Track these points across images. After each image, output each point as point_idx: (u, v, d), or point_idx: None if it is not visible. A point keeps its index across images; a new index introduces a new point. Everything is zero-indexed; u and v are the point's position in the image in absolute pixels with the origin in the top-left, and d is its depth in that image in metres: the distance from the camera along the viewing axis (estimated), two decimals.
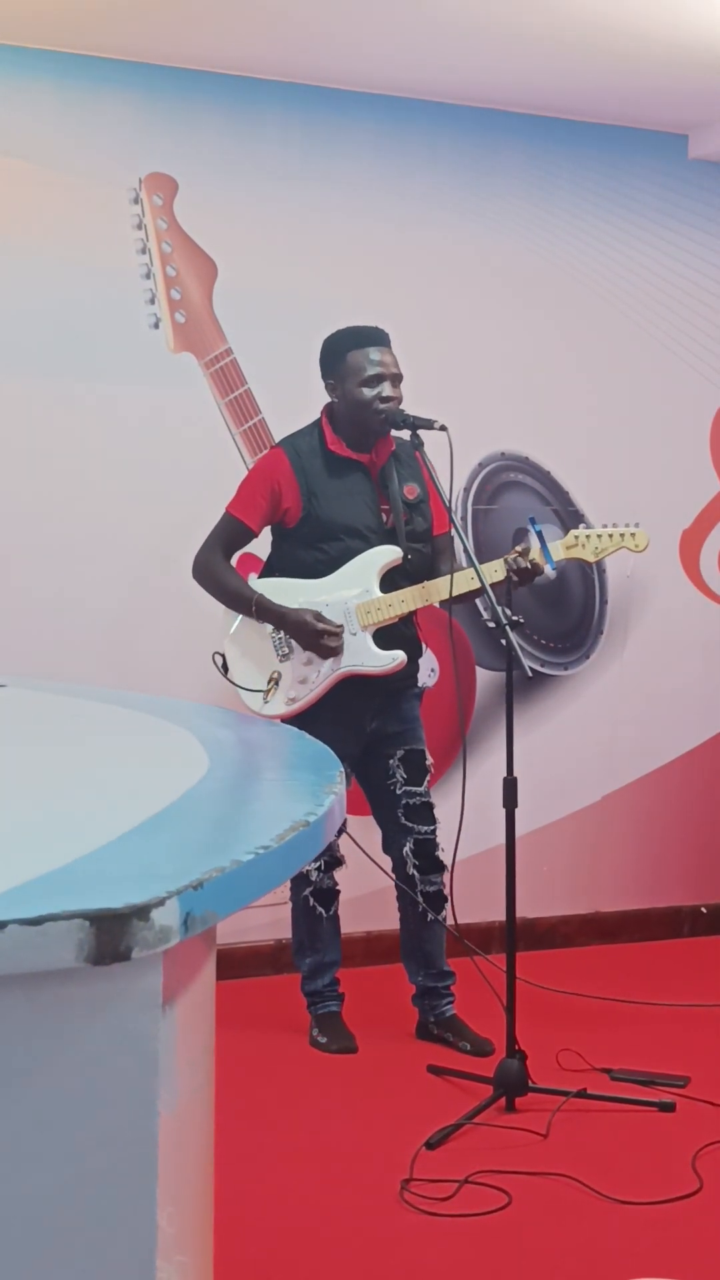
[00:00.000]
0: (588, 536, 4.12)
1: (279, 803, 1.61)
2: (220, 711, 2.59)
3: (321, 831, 1.48)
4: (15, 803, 1.61)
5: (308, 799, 1.54)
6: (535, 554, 3.99)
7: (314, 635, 4.14)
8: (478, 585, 4.02)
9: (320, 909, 4.34)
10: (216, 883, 1.21)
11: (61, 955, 1.09)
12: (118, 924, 1.11)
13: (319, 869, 4.31)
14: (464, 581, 4.05)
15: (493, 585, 3.95)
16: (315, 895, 4.34)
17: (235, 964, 4.85)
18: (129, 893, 1.14)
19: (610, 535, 4.12)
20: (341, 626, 4.16)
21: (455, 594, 4.06)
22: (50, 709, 2.54)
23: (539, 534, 4.00)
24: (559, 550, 4.09)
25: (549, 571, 4.12)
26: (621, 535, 4.12)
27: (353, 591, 4.17)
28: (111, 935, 1.10)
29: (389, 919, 4.47)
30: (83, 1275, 1.20)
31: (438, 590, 4.11)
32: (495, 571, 3.98)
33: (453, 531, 4.23)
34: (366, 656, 4.17)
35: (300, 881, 4.33)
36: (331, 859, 4.33)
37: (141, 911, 1.12)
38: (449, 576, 4.07)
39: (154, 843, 1.37)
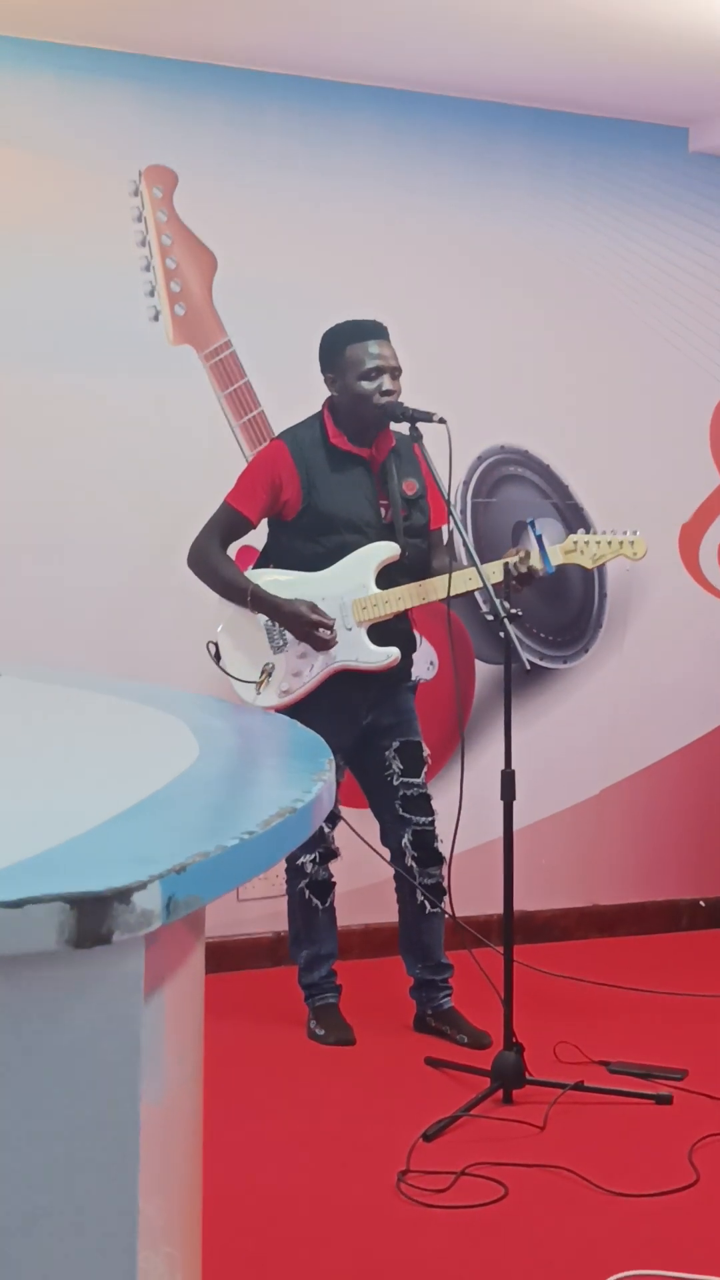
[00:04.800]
0: (586, 543, 4.13)
1: (267, 789, 1.61)
2: (213, 700, 2.59)
3: (309, 818, 1.48)
4: (2, 788, 1.61)
5: (296, 786, 1.54)
6: (534, 559, 3.99)
7: (308, 627, 4.14)
8: (475, 585, 4.02)
9: (316, 901, 4.34)
10: (200, 867, 1.20)
11: (42, 938, 1.09)
12: (98, 907, 1.11)
13: (314, 861, 4.31)
14: (461, 581, 4.05)
15: (492, 584, 3.95)
16: (311, 887, 4.34)
17: (233, 956, 4.85)
18: (111, 876, 1.13)
19: (609, 543, 4.14)
20: (335, 619, 4.16)
21: (453, 593, 4.06)
22: (42, 696, 2.54)
23: (539, 539, 4.00)
24: (557, 555, 4.10)
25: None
26: (620, 543, 4.14)
27: (349, 586, 4.17)
28: (92, 918, 1.10)
29: (387, 911, 4.47)
30: (63, 1262, 1.19)
31: (435, 589, 4.11)
32: (494, 574, 3.98)
33: (450, 525, 4.23)
34: (361, 652, 4.18)
35: (296, 874, 4.34)
36: (327, 851, 4.33)
37: (123, 894, 1.12)
38: (447, 576, 4.06)
39: (139, 828, 1.37)
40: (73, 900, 1.10)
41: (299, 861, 4.31)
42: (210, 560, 4.26)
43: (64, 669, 4.13)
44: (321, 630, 4.14)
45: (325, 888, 4.36)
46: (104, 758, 1.87)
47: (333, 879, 4.38)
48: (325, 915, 4.38)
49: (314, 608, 4.15)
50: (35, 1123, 1.17)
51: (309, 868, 4.32)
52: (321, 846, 4.31)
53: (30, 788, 1.61)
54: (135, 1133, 1.21)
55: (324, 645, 4.16)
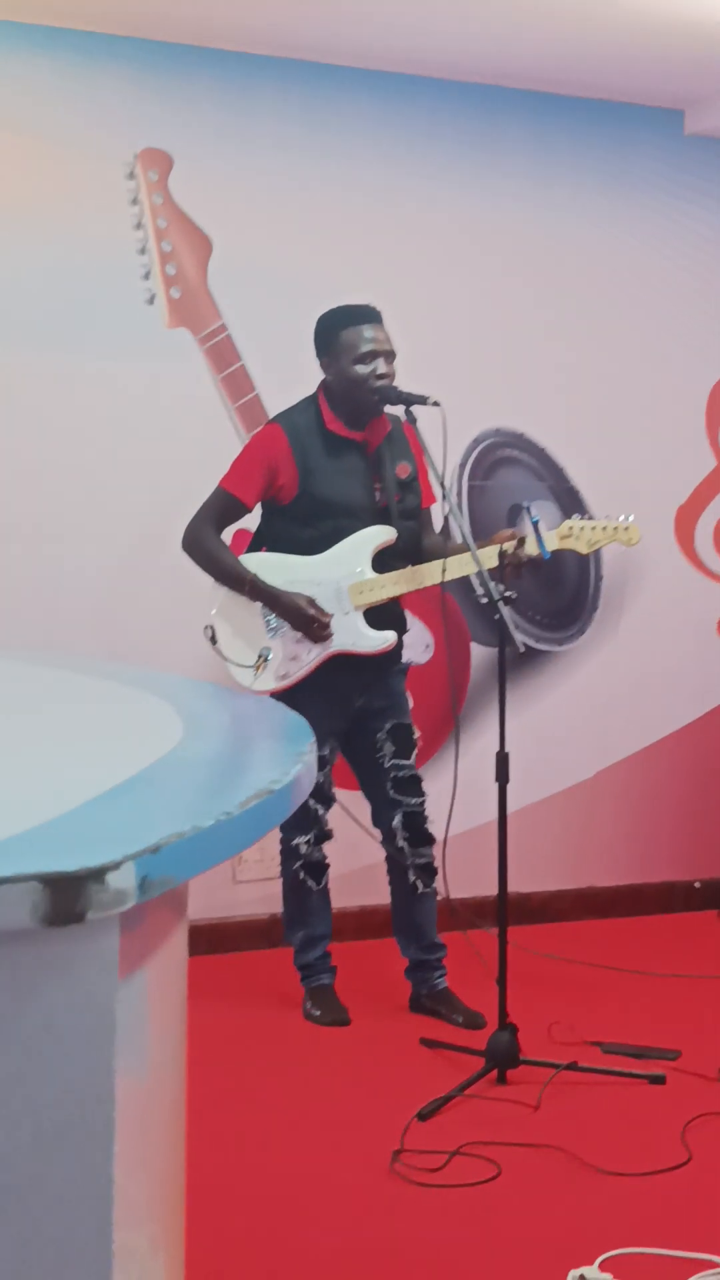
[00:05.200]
0: (582, 528, 4.14)
1: (247, 771, 1.62)
2: (201, 684, 2.60)
3: (288, 799, 1.49)
4: None
5: (275, 767, 1.55)
6: (530, 546, 4.00)
7: (306, 621, 4.15)
8: (471, 569, 4.03)
9: (310, 882, 4.36)
10: (175, 847, 1.22)
11: (15, 916, 1.10)
12: (72, 886, 1.12)
13: (309, 843, 4.32)
14: (457, 566, 4.06)
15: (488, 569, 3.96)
16: (305, 869, 4.35)
17: (229, 938, 4.87)
18: (85, 856, 1.15)
19: (605, 529, 4.15)
20: (332, 615, 4.17)
21: (448, 578, 4.07)
22: (27, 678, 2.54)
23: (535, 525, 4.01)
24: (553, 540, 4.11)
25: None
26: (615, 529, 4.15)
27: (345, 571, 4.18)
28: (66, 897, 1.12)
29: (381, 893, 4.49)
30: (38, 1238, 1.20)
31: (431, 574, 4.12)
32: (489, 558, 3.99)
33: (441, 506, 4.24)
34: (358, 637, 4.19)
35: (290, 856, 4.35)
36: (320, 833, 4.34)
37: (96, 874, 1.13)
38: (442, 562, 4.08)
39: (117, 808, 1.38)
40: (46, 879, 1.11)
41: (293, 843, 4.32)
42: (206, 545, 4.26)
43: (52, 651, 4.14)
44: (317, 626, 4.15)
45: (319, 869, 4.38)
46: (86, 740, 1.88)
47: (327, 861, 4.39)
48: (320, 897, 4.39)
49: (312, 602, 4.16)
50: (8, 1099, 1.18)
51: (303, 849, 4.33)
52: (316, 828, 4.32)
53: (11, 769, 1.62)
54: (110, 1110, 1.22)
55: (319, 639, 4.17)
